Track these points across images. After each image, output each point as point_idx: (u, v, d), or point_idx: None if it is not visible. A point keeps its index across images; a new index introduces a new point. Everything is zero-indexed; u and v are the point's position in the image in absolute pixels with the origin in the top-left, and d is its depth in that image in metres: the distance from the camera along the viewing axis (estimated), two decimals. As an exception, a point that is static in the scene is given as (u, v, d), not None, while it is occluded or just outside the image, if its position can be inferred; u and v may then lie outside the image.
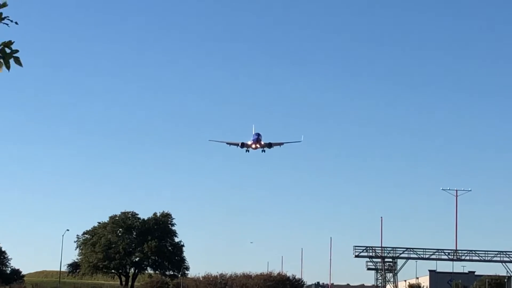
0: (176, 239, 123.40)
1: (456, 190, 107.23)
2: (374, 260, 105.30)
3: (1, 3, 6.07)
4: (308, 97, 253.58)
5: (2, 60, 6.15)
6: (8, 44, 6.13)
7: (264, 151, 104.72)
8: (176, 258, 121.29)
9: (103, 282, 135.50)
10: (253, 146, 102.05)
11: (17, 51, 6.17)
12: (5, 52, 6.13)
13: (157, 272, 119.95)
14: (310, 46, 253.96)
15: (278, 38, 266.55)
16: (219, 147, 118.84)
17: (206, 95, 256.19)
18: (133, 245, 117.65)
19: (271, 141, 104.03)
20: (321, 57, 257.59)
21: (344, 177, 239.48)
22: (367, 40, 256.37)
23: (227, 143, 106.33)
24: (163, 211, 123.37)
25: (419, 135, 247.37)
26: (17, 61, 6.21)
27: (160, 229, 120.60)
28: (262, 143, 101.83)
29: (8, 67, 6.20)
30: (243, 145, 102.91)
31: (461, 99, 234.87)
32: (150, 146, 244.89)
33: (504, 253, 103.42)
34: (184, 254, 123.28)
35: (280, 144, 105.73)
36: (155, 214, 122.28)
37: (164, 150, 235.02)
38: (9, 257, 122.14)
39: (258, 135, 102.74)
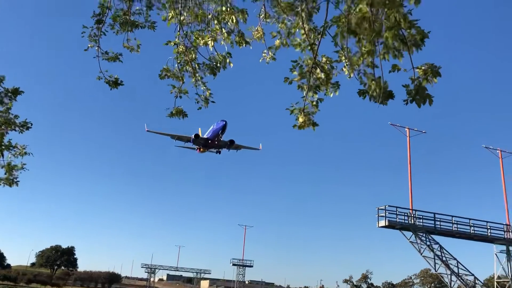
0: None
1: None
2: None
3: None
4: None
5: None
6: None
7: (220, 152, 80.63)
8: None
9: None
10: (209, 142, 76.25)
11: None
12: None
13: None
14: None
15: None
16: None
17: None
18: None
19: (234, 140, 78.73)
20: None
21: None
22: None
23: (172, 136, 77.28)
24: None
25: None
26: None
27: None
28: (222, 138, 76.17)
29: None
30: (195, 140, 76.04)
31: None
32: None
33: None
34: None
35: (240, 147, 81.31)
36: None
37: None
38: None
39: (225, 123, 73.41)
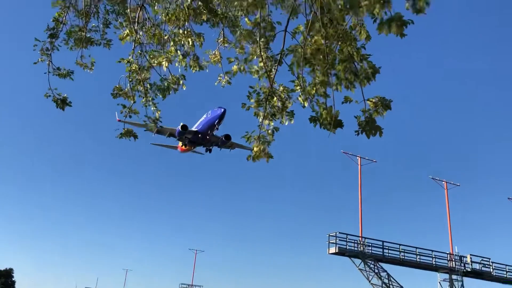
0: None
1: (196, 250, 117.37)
2: None
3: None
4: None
5: None
6: None
7: (210, 150, 61.21)
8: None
9: None
10: (200, 136, 56.87)
11: None
12: None
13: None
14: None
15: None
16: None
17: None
18: None
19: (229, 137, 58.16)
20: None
21: None
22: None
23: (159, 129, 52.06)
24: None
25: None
26: None
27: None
28: (215, 133, 57.11)
29: None
30: (181, 134, 56.24)
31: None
32: None
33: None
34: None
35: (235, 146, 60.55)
36: None
37: None
38: None
39: (223, 111, 53.45)
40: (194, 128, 57.33)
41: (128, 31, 7.44)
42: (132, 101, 7.10)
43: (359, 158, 50.12)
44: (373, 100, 6.23)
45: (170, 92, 7.10)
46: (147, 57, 7.20)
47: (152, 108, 6.76)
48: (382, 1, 5.56)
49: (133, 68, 7.24)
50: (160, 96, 7.09)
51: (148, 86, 7.14)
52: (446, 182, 55.41)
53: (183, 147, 63.63)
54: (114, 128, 7.62)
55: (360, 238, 43.86)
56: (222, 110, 53.74)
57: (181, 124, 56.27)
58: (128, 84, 7.26)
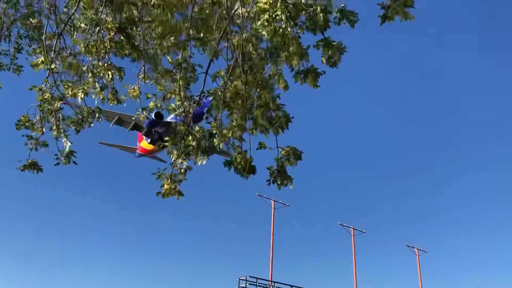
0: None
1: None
2: None
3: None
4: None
5: None
6: None
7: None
8: None
9: None
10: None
11: None
12: None
13: None
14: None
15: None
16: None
17: None
18: None
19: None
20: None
21: None
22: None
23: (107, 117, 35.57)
24: None
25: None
26: None
27: None
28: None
29: None
30: (152, 126, 38.97)
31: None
32: None
33: None
34: None
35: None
36: None
37: None
38: None
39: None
40: (169, 119, 39.15)
41: (42, 58, 7.14)
42: (40, 133, 6.71)
43: (273, 202, 50.86)
44: (286, 149, 6.48)
45: (85, 125, 6.85)
46: (62, 87, 6.92)
47: (63, 140, 6.44)
48: (300, 54, 5.95)
49: (46, 97, 6.90)
50: (73, 129, 6.78)
51: (61, 117, 6.83)
52: (353, 229, 57.73)
53: (149, 146, 45.13)
54: (17, 158, 7.12)
55: (270, 282, 43.89)
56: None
57: (156, 111, 32.38)
58: (39, 114, 6.89)
